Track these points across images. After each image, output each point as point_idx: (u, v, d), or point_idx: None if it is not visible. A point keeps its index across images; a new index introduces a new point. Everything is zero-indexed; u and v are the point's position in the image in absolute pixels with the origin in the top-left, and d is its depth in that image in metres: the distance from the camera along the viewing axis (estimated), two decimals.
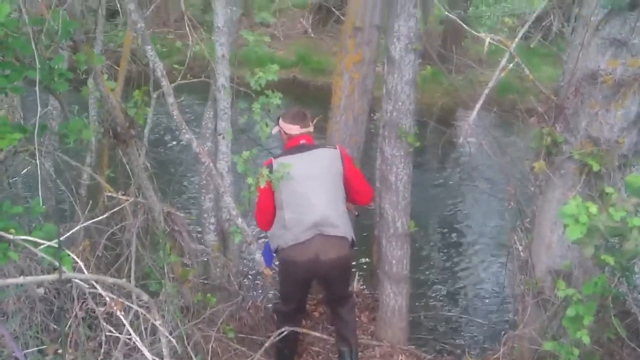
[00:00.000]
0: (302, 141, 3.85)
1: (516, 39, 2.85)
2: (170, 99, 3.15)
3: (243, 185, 3.74)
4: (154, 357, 1.83)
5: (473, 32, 2.93)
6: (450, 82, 7.61)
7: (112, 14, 6.28)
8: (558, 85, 3.54)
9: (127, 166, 3.85)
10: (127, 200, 3.61)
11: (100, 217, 2.74)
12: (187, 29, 3.91)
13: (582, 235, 2.16)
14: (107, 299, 1.87)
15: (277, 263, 4.00)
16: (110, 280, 1.79)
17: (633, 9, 2.75)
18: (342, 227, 3.75)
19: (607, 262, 2.41)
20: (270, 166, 3.63)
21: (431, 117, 6.78)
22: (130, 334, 2.06)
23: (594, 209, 2.19)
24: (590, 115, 3.12)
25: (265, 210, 3.82)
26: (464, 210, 6.94)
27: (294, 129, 3.86)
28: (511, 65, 2.91)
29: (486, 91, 2.81)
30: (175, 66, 4.65)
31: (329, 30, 10.97)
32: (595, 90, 3.05)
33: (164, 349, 1.84)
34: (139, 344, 1.85)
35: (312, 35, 10.94)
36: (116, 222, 3.84)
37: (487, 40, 2.76)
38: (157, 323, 1.87)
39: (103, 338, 2.74)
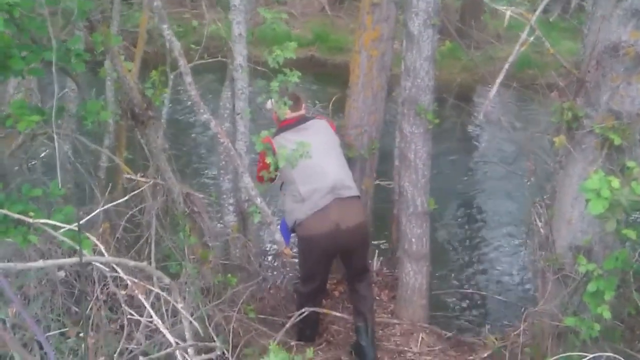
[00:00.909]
0: (293, 119, 3.90)
1: (537, 12, 2.79)
2: (188, 79, 3.14)
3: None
4: (176, 339, 1.84)
5: (493, 5, 2.85)
6: (469, 57, 7.51)
7: None
8: (579, 59, 3.47)
9: (146, 147, 3.86)
10: (146, 181, 3.63)
11: (120, 200, 2.73)
12: (204, 8, 3.90)
13: (604, 210, 2.13)
14: (129, 282, 1.88)
15: (296, 243, 4.01)
16: (132, 263, 1.80)
17: None
18: (354, 186, 3.89)
19: (628, 237, 2.37)
20: (269, 146, 3.68)
21: (450, 93, 6.73)
22: (151, 317, 2.07)
23: (616, 183, 2.16)
24: (612, 89, 3.05)
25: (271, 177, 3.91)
26: (482, 188, 6.88)
27: (286, 112, 3.90)
28: (532, 38, 2.85)
29: (507, 65, 2.76)
30: (192, 46, 4.65)
31: (347, 8, 10.83)
32: (616, 62, 2.98)
33: (186, 332, 1.85)
34: (161, 326, 1.86)
35: (329, 13, 10.82)
36: (135, 204, 3.86)
37: (508, 13, 2.70)
38: (179, 306, 1.88)
39: (125, 321, 2.76)
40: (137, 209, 3.76)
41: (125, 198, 2.85)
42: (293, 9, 10.57)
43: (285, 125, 3.90)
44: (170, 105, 4.42)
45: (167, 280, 1.88)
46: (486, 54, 8.80)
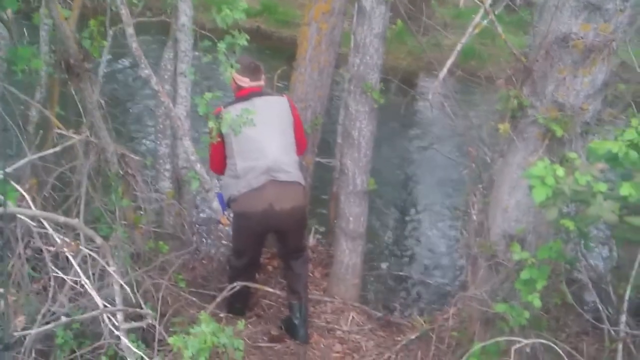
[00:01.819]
0: (251, 91, 3.78)
1: None
2: (130, 30, 2.97)
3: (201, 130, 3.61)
4: (104, 302, 1.73)
5: None
6: (416, 42, 7.52)
7: None
8: (525, 51, 3.51)
9: (80, 104, 3.66)
10: (79, 138, 3.45)
11: (49, 152, 2.56)
12: None
13: (547, 198, 2.15)
14: (57, 239, 1.75)
15: (231, 216, 3.92)
16: (62, 219, 1.68)
17: None
18: (294, 172, 3.73)
19: (566, 227, 2.40)
20: (219, 115, 3.45)
21: (395, 76, 6.73)
22: (78, 277, 1.95)
23: (561, 171, 2.17)
24: (558, 80, 3.08)
25: (217, 159, 3.78)
26: (421, 172, 6.97)
27: (244, 82, 3.78)
28: (485, 22, 2.84)
29: (459, 47, 2.75)
30: (135, 1, 4.43)
31: None
32: (565, 54, 3.01)
33: (116, 296, 1.75)
34: (89, 287, 1.75)
35: None
36: (66, 162, 3.67)
37: None
38: (111, 269, 1.77)
39: (50, 281, 2.62)
40: (68, 166, 3.57)
41: (55, 150, 2.67)
42: None
43: (241, 96, 3.76)
44: (110, 60, 4.20)
45: (98, 240, 1.77)
46: (433, 41, 8.86)
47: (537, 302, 2.83)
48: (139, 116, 7.17)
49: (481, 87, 8.52)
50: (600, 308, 3.39)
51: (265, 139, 3.64)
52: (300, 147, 3.95)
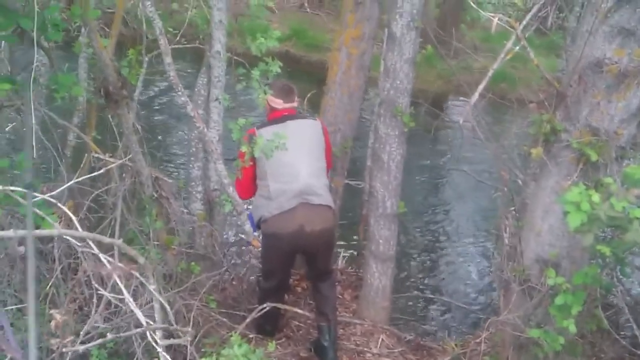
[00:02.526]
0: (285, 113, 3.81)
1: (524, 21, 2.79)
2: (168, 59, 3.05)
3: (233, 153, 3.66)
4: (147, 321, 1.77)
5: (480, 11, 2.85)
6: (447, 65, 7.55)
7: None
8: (558, 75, 3.50)
9: (116, 128, 3.75)
10: (115, 162, 3.53)
11: (86, 176, 2.63)
12: None
13: (582, 224, 2.13)
14: (103, 259, 1.79)
15: (260, 238, 3.95)
16: (106, 239, 1.72)
17: None
18: (325, 195, 3.76)
19: (602, 253, 2.37)
20: (252, 137, 3.52)
21: (424, 100, 6.74)
22: (121, 296, 1.98)
23: (596, 197, 2.16)
24: (592, 105, 3.07)
25: (246, 183, 3.80)
26: (452, 195, 6.93)
27: (278, 103, 3.81)
28: (517, 47, 2.85)
29: (490, 73, 2.76)
30: (170, 29, 4.54)
31: (326, 7, 10.81)
32: (599, 79, 3.00)
33: (156, 313, 1.79)
34: (132, 305, 1.79)
35: (308, 10, 10.78)
36: (102, 184, 3.76)
37: (495, 20, 2.69)
38: (152, 287, 1.81)
39: (94, 299, 2.67)
40: (104, 189, 3.65)
41: (93, 175, 2.74)
42: (272, 3, 10.47)
43: (273, 119, 3.79)
44: (145, 87, 4.31)
45: (141, 260, 1.80)
46: (462, 64, 8.87)
47: (573, 328, 2.80)
48: (171, 140, 7.29)
49: (512, 110, 8.53)
50: (638, 334, 3.32)
51: (298, 162, 3.68)
52: (327, 168, 3.98)
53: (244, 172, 3.73)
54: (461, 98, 8.68)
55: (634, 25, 2.83)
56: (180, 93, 3.14)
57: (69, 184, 2.08)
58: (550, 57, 9.26)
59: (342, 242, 5.03)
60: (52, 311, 1.91)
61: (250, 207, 4.13)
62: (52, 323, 1.85)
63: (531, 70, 9.24)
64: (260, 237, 3.93)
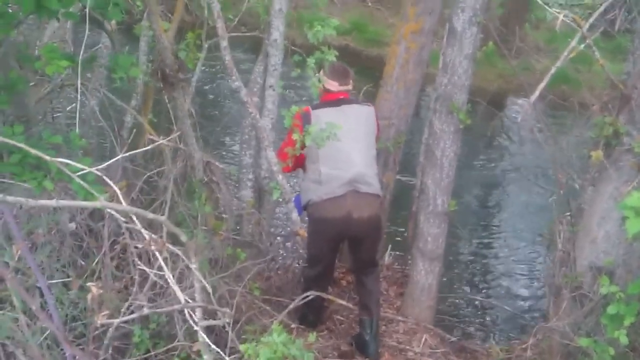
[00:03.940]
0: (340, 96, 3.77)
1: (590, 19, 2.68)
2: (224, 43, 3.07)
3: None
4: (186, 298, 1.78)
5: (547, 8, 2.75)
6: (508, 64, 7.38)
7: None
8: (622, 78, 3.37)
9: (171, 112, 3.81)
10: (168, 144, 3.58)
11: (138, 151, 2.65)
12: None
13: None
14: (145, 234, 1.81)
15: (306, 223, 3.94)
16: (150, 215, 1.73)
17: None
18: (375, 184, 3.73)
19: None
20: (307, 115, 3.53)
21: (483, 98, 6.61)
22: (162, 274, 2.00)
23: None
24: None
25: (295, 159, 3.73)
26: (505, 196, 6.78)
27: (333, 85, 3.74)
28: (582, 46, 2.75)
29: (553, 71, 2.67)
30: (230, 17, 4.59)
31: (388, 2, 10.67)
32: None
33: (196, 293, 1.80)
34: (172, 283, 1.80)
35: (370, 4, 10.68)
36: (155, 167, 3.82)
37: (561, 17, 2.60)
38: (193, 266, 1.82)
39: (136, 276, 2.71)
40: (155, 171, 3.71)
41: (143, 150, 2.76)
42: None
43: (328, 101, 3.75)
44: (204, 71, 4.35)
45: (184, 238, 1.82)
46: (524, 64, 8.65)
47: (624, 339, 2.70)
48: (226, 127, 7.37)
49: (572, 113, 8.28)
50: None
51: (352, 149, 3.65)
52: None
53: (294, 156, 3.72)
54: (521, 99, 8.46)
55: None
56: (234, 78, 3.16)
57: (117, 157, 2.11)
58: (616, 61, 8.91)
59: (390, 238, 4.97)
60: (89, 284, 1.94)
61: (298, 191, 4.13)
62: (89, 296, 1.88)
63: (595, 73, 8.94)
64: (307, 222, 3.92)
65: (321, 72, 3.74)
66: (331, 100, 3.75)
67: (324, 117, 3.54)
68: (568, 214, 3.75)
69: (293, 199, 3.94)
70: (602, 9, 2.68)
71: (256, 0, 4.34)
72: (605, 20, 9.86)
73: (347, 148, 3.63)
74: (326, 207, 3.65)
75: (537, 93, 2.71)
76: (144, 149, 2.78)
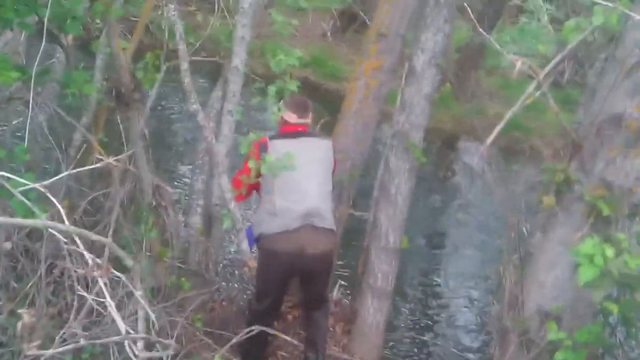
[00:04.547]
0: (299, 129, 3.73)
1: (547, 67, 2.73)
2: (184, 65, 3.01)
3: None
4: (128, 328, 1.67)
5: (504, 53, 2.79)
6: (463, 107, 7.54)
7: None
8: (573, 127, 3.44)
9: (124, 132, 3.70)
10: (117, 165, 3.46)
11: (84, 169, 2.54)
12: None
13: (594, 278, 2.04)
14: (89, 260, 1.70)
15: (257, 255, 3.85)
16: (95, 237, 1.63)
17: None
18: (330, 219, 3.68)
19: (609, 311, 2.28)
20: (264, 145, 3.48)
21: (437, 139, 6.72)
22: (102, 300, 1.89)
23: (610, 251, 2.07)
24: (608, 159, 3.01)
25: (248, 187, 3.70)
26: (455, 237, 6.82)
27: (291, 117, 3.71)
28: (538, 93, 2.79)
29: (509, 115, 2.70)
30: (191, 41, 4.53)
31: (348, 38, 10.82)
32: (617, 134, 2.95)
33: (139, 322, 1.69)
34: (113, 311, 1.69)
35: (330, 39, 10.80)
36: (102, 187, 3.69)
37: (518, 64, 2.63)
38: (138, 294, 1.72)
39: (74, 302, 2.57)
40: (102, 192, 3.58)
41: (89, 168, 2.64)
42: (296, 30, 10.51)
43: (286, 132, 3.71)
44: (162, 93, 4.27)
45: (129, 262, 1.72)
46: (478, 108, 8.85)
47: None
48: (179, 151, 7.25)
49: (523, 159, 8.49)
50: None
51: (308, 182, 3.60)
52: None
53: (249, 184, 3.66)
54: (474, 141, 8.62)
55: None
56: (192, 101, 3.09)
57: (62, 175, 1.99)
58: (564, 111, 9.20)
59: (339, 273, 4.91)
60: (20, 310, 1.81)
61: (249, 223, 4.04)
62: (19, 324, 1.75)
63: (545, 122, 9.22)
64: (257, 255, 3.83)
65: (280, 103, 3.72)
66: (289, 132, 3.71)
67: (281, 148, 3.49)
68: (517, 257, 3.77)
69: (245, 229, 3.84)
70: (558, 58, 2.73)
71: (218, 25, 4.32)
72: (555, 72, 10.24)
73: (303, 181, 3.57)
74: (279, 240, 3.56)
75: (492, 136, 2.73)
76: (91, 167, 2.65)
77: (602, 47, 3.55)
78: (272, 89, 2.89)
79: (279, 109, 2.94)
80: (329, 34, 10.90)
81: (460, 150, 8.80)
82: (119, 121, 3.69)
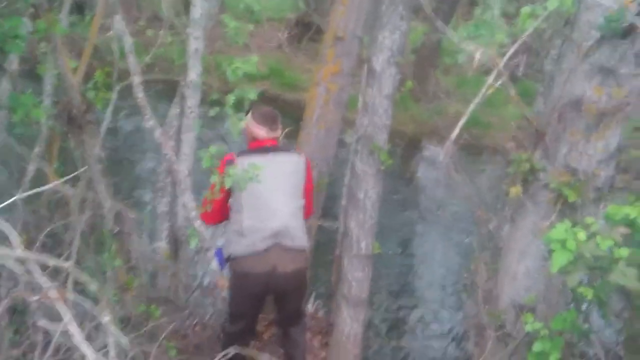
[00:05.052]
0: (268, 144, 3.62)
1: (506, 56, 2.73)
2: (137, 79, 2.89)
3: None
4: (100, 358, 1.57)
5: (463, 48, 2.78)
6: (422, 108, 7.57)
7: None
8: (534, 116, 3.45)
9: (79, 158, 3.58)
10: (75, 194, 3.34)
11: (32, 191, 2.41)
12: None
13: (568, 263, 2.02)
14: (44, 284, 1.60)
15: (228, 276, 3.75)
16: (53, 261, 1.54)
17: (625, 37, 2.66)
18: (301, 237, 3.55)
19: (583, 296, 2.26)
20: (231, 162, 3.34)
21: (400, 142, 6.72)
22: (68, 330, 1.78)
23: (582, 235, 2.05)
24: (571, 144, 3.01)
25: (214, 202, 3.53)
26: (424, 238, 6.83)
27: (261, 131, 3.59)
28: (498, 83, 2.78)
29: (472, 107, 2.69)
30: (146, 61, 4.41)
31: (304, 47, 10.82)
32: (578, 118, 2.95)
33: (110, 349, 1.60)
34: (82, 344, 1.58)
35: (286, 50, 10.77)
36: (60, 218, 3.54)
37: (477, 54, 2.63)
38: (106, 319, 1.62)
39: (38, 336, 2.44)
40: (61, 223, 3.43)
41: (37, 190, 2.51)
42: (251, 42, 10.46)
43: (255, 148, 3.58)
44: (116, 118, 4.15)
45: (93, 287, 1.63)
46: (437, 108, 8.91)
47: None
48: (140, 174, 7.11)
49: (484, 155, 8.57)
50: None
51: (277, 200, 3.47)
52: (307, 212, 3.76)
53: (219, 198, 3.54)
54: (436, 141, 8.67)
55: (613, 64, 2.79)
56: (148, 117, 2.98)
57: (12, 199, 1.88)
58: (520, 106, 9.35)
59: (313, 286, 4.84)
60: None
61: (219, 242, 3.94)
62: None
63: (503, 117, 9.34)
64: (229, 276, 3.73)
65: (248, 116, 3.62)
66: (259, 148, 3.58)
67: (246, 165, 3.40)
68: (488, 251, 3.76)
69: (215, 251, 3.73)
70: (516, 45, 2.72)
71: (170, 42, 4.21)
72: (511, 65, 10.39)
73: (272, 199, 3.46)
74: (249, 261, 3.45)
75: (456, 130, 2.71)
76: (46, 192, 2.53)
77: (557, 34, 3.58)
78: (230, 98, 2.80)
79: (240, 119, 2.85)
80: (284, 44, 10.86)
81: (424, 150, 8.84)
82: (73, 146, 3.55)
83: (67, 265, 1.55)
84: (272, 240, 3.44)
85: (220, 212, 3.59)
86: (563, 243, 2.02)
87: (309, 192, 3.74)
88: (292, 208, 3.54)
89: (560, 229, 2.06)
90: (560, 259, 2.02)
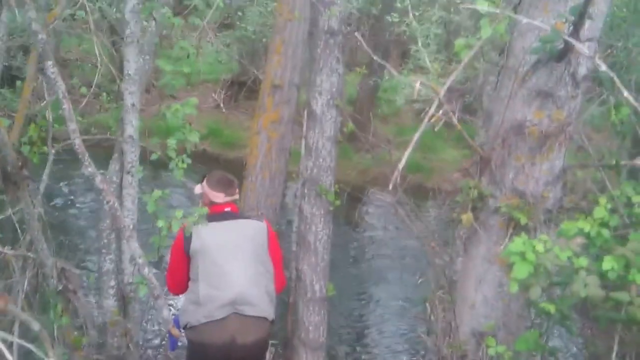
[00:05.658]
0: (227, 209, 3.54)
1: (446, 85, 2.77)
2: (72, 125, 2.79)
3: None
4: None
5: (404, 79, 2.82)
6: (363, 158, 7.66)
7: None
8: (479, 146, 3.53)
9: (16, 216, 3.41)
10: (15, 255, 3.18)
11: None
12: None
13: (529, 275, 2.03)
14: None
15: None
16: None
17: (560, 59, 2.77)
18: (262, 305, 3.40)
19: (547, 311, 2.27)
20: (185, 231, 3.23)
21: (344, 189, 6.74)
22: None
23: (540, 246, 2.08)
24: (517, 168, 3.08)
25: (176, 273, 3.48)
26: (376, 279, 6.82)
27: (218, 197, 3.54)
28: (440, 112, 2.83)
29: (415, 138, 2.67)
30: (79, 119, 4.32)
31: (241, 106, 10.91)
32: (521, 142, 3.03)
33: None
34: None
35: (224, 109, 10.83)
36: (1, 281, 3.36)
37: (417, 84, 2.67)
38: None
39: None
40: (1, 285, 3.25)
41: None
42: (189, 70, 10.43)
43: (212, 214, 3.45)
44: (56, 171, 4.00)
45: (36, 326, 1.52)
46: (378, 157, 9.05)
47: None
48: (82, 233, 6.87)
49: (428, 199, 8.70)
50: None
51: (234, 267, 3.36)
52: (279, 283, 3.62)
53: (175, 263, 3.47)
54: (379, 189, 8.77)
55: (551, 87, 2.90)
56: (86, 164, 2.86)
57: None
58: (459, 148, 9.64)
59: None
60: None
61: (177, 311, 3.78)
62: None
63: (444, 161, 9.58)
64: (186, 344, 3.56)
65: (204, 183, 3.57)
66: (216, 214, 3.49)
67: (205, 235, 3.32)
68: (443, 284, 3.75)
69: (173, 320, 3.57)
70: (455, 74, 2.77)
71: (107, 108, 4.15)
72: (444, 113, 10.72)
73: (229, 266, 3.35)
74: (206, 331, 3.31)
75: (399, 168, 2.66)
76: None
77: (492, 68, 3.70)
78: (171, 142, 2.75)
79: (182, 161, 2.79)
80: (221, 104, 10.93)
81: (369, 196, 8.93)
82: (10, 205, 3.40)
83: (10, 307, 1.45)
84: (230, 309, 3.32)
85: (182, 277, 3.49)
86: (522, 255, 2.04)
87: (278, 262, 3.62)
88: (252, 274, 3.41)
89: (519, 242, 2.08)
90: (521, 271, 2.03)
